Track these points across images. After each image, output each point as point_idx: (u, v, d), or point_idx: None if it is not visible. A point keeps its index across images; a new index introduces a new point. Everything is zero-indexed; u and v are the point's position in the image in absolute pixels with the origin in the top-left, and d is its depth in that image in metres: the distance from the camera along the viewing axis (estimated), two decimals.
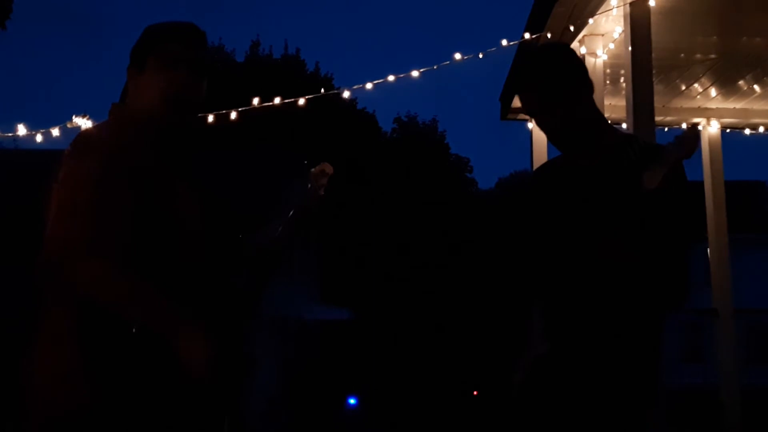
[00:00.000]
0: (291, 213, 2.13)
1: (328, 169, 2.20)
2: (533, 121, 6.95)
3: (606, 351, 2.14)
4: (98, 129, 2.03)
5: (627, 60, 4.43)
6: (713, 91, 6.29)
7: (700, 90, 6.27)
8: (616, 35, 5.12)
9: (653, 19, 4.44)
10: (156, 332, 1.77)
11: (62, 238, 1.76)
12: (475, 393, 21.27)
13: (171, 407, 1.83)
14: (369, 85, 5.30)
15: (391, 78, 5.21)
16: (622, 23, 4.68)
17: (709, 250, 6.62)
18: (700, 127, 6.80)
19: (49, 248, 1.77)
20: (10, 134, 5.33)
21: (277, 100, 5.30)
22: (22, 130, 5.24)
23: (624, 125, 5.06)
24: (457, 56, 5.19)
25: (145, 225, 1.84)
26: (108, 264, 1.76)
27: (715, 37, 5.48)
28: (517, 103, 6.58)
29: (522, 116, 6.80)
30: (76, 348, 1.80)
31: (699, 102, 6.55)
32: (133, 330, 1.77)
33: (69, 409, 1.78)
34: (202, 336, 1.78)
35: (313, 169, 2.19)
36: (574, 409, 2.14)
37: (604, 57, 5.32)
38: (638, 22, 4.40)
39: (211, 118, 5.16)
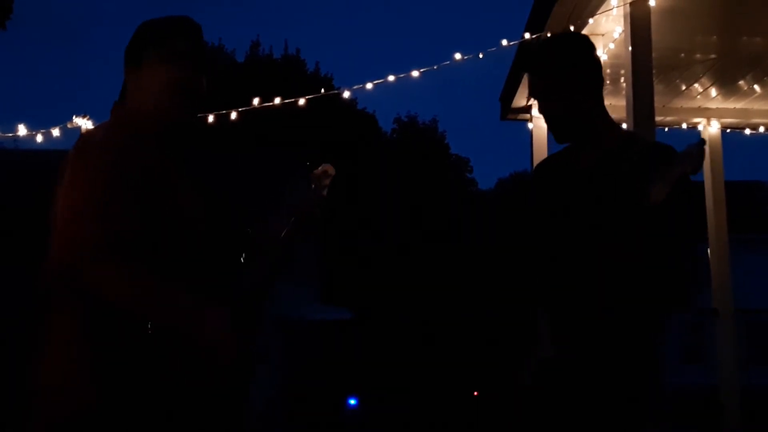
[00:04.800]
0: (292, 216, 2.12)
1: (331, 170, 2.19)
2: (532, 119, 6.90)
3: (609, 354, 2.14)
4: (102, 129, 2.01)
5: (627, 60, 4.43)
6: (713, 91, 6.29)
7: (701, 90, 6.27)
8: (616, 35, 5.12)
9: (653, 18, 4.44)
10: (180, 328, 1.76)
11: (77, 240, 1.74)
12: (475, 393, 21.25)
13: (181, 409, 1.83)
14: (369, 85, 5.30)
15: (391, 78, 5.20)
16: (622, 23, 4.68)
17: (709, 250, 6.62)
18: (700, 127, 6.81)
19: (62, 250, 1.75)
20: (10, 134, 5.33)
21: (277, 100, 5.30)
22: (22, 130, 5.24)
23: (624, 125, 5.06)
24: (458, 56, 5.19)
25: (152, 224, 1.83)
26: (126, 265, 1.74)
27: (715, 37, 5.48)
28: (517, 103, 6.57)
29: (522, 116, 6.78)
30: (86, 350, 1.79)
31: (699, 102, 6.55)
32: (149, 329, 1.76)
33: (77, 410, 1.77)
34: (229, 322, 1.79)
35: (315, 171, 2.18)
36: (580, 413, 2.14)
37: (604, 57, 5.32)
38: (638, 22, 4.40)
39: (211, 118, 5.16)
